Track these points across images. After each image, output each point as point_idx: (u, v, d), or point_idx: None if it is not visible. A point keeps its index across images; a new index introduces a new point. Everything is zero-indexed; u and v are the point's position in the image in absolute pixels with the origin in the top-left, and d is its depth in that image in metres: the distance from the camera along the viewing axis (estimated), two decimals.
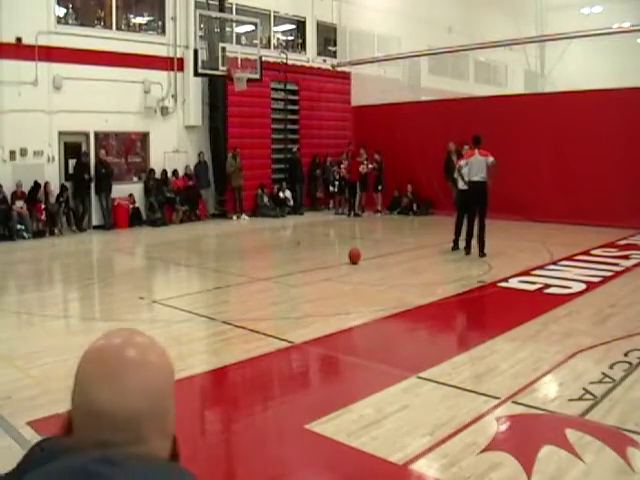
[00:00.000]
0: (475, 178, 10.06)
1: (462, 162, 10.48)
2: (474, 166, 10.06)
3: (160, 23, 15.61)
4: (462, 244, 10.36)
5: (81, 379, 0.89)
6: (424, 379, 4.65)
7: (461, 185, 10.51)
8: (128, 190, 14.78)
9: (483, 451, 3.48)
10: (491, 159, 9.97)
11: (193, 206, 15.67)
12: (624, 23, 16.19)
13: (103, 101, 13.93)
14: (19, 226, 12.69)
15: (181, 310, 6.84)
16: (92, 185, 14.07)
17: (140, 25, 15.58)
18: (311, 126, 18.28)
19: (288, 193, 17.27)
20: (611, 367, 4.81)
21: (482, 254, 9.96)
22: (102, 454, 0.83)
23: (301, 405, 4.42)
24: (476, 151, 10.15)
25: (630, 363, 4.91)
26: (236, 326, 6.19)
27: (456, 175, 10.78)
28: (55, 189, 13.47)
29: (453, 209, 11.43)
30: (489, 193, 10.11)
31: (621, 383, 4.50)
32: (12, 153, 12.95)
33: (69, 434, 0.91)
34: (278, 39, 18.54)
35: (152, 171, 15.14)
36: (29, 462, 0.88)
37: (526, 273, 8.68)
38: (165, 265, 10.64)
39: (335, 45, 19.70)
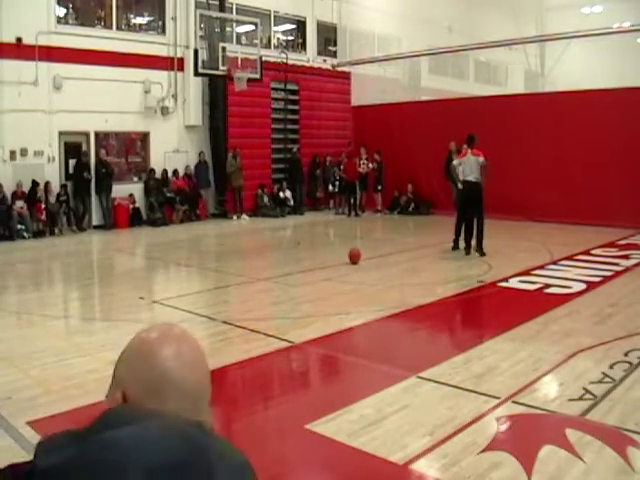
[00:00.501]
0: (468, 178, 10.05)
1: (456, 162, 10.49)
2: (467, 166, 10.05)
3: (160, 23, 15.61)
4: (462, 244, 10.37)
5: (150, 359, 0.96)
6: (424, 379, 4.65)
7: (460, 185, 10.51)
8: (128, 190, 14.78)
9: (483, 451, 3.48)
10: (482, 159, 9.93)
11: (193, 206, 15.68)
12: (624, 23, 16.20)
13: (103, 101, 13.94)
14: (19, 226, 12.70)
15: (181, 310, 6.84)
16: (92, 185, 14.08)
17: (140, 25, 15.58)
18: (311, 126, 18.28)
19: (288, 193, 17.26)
20: (611, 367, 4.82)
21: (482, 254, 9.96)
22: (195, 421, 0.91)
23: (301, 405, 4.42)
24: (469, 151, 10.14)
25: (630, 363, 4.91)
26: (236, 326, 6.19)
27: (455, 175, 10.78)
28: (55, 189, 13.48)
29: (453, 209, 11.43)
30: (483, 193, 10.11)
31: (621, 383, 4.49)
32: (12, 153, 12.95)
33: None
34: (278, 39, 18.55)
35: (152, 171, 15.15)
36: (108, 420, 0.89)
37: (526, 273, 8.68)
38: (165, 265, 10.64)
39: (335, 45, 19.70)
